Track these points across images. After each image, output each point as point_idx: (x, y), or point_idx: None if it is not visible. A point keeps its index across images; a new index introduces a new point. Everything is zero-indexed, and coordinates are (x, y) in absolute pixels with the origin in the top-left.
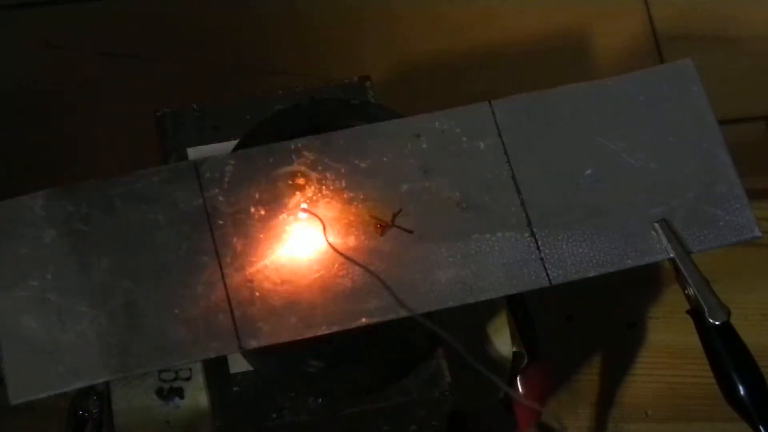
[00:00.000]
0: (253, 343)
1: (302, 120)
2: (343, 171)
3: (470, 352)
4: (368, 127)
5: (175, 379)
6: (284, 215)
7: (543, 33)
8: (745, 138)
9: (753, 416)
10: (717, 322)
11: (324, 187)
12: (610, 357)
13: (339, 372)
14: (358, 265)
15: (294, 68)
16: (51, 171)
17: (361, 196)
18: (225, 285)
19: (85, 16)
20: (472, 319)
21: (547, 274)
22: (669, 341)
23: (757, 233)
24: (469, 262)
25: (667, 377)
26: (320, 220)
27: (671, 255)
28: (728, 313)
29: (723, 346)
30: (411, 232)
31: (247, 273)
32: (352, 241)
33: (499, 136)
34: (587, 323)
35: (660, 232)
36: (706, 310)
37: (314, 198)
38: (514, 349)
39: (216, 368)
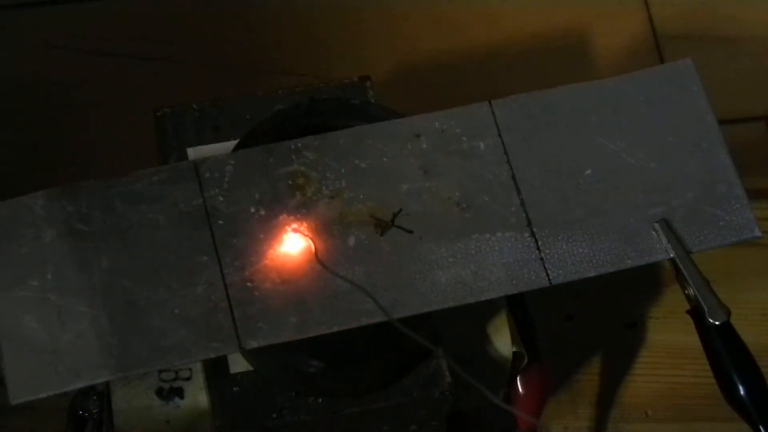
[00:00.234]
0: (253, 343)
1: (302, 120)
2: (343, 171)
3: (462, 355)
4: (368, 127)
5: (175, 379)
6: (284, 215)
7: (543, 33)
8: (745, 138)
9: (753, 416)
10: (717, 322)
11: (324, 187)
12: (610, 357)
13: (339, 372)
14: (345, 280)
15: (294, 68)
16: (51, 171)
17: (361, 196)
18: (225, 285)
19: (85, 16)
20: (472, 319)
21: (547, 274)
22: (669, 341)
23: (757, 233)
24: (469, 262)
25: (667, 377)
26: (311, 240)
27: (671, 255)
28: (728, 313)
29: (723, 346)
30: (411, 232)
31: (247, 273)
32: (352, 241)
33: (499, 136)
34: (587, 323)
35: (660, 232)
36: (706, 310)
37: (314, 198)
38: (514, 349)
39: (216, 368)
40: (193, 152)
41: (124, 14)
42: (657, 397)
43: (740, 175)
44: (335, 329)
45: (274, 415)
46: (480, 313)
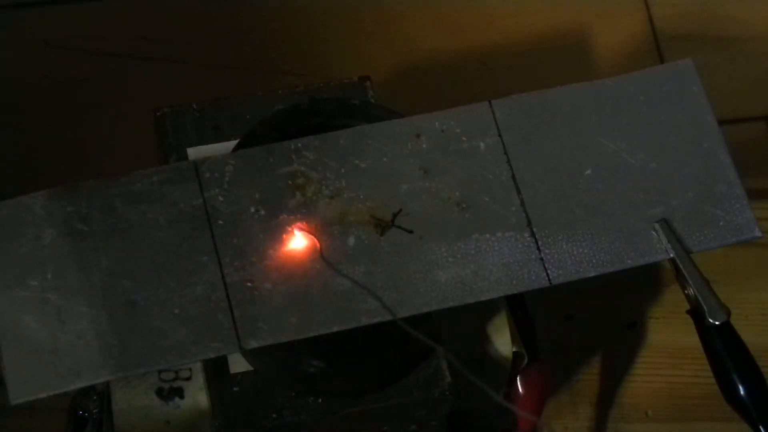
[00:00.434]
0: (253, 343)
1: (302, 120)
2: (343, 171)
3: (462, 355)
4: (368, 127)
5: (175, 379)
6: (284, 215)
7: (543, 33)
8: (745, 138)
9: (753, 416)
10: (717, 322)
11: (324, 187)
12: (610, 357)
13: (339, 372)
14: (349, 279)
15: (294, 68)
16: (51, 171)
17: (361, 196)
18: (225, 285)
19: (85, 16)
20: (472, 319)
21: (547, 274)
22: (669, 341)
23: (757, 233)
24: (469, 262)
25: (667, 377)
26: (316, 242)
27: (671, 255)
28: (728, 313)
29: (723, 346)
30: (411, 232)
31: (247, 273)
32: (352, 241)
33: (499, 136)
34: (587, 323)
35: (660, 232)
36: (706, 310)
37: (314, 198)
38: (514, 349)
39: (216, 368)
40: (193, 152)
41: (124, 14)
42: (657, 397)
43: (740, 175)
44: (335, 329)
45: (274, 415)
46: (480, 313)
